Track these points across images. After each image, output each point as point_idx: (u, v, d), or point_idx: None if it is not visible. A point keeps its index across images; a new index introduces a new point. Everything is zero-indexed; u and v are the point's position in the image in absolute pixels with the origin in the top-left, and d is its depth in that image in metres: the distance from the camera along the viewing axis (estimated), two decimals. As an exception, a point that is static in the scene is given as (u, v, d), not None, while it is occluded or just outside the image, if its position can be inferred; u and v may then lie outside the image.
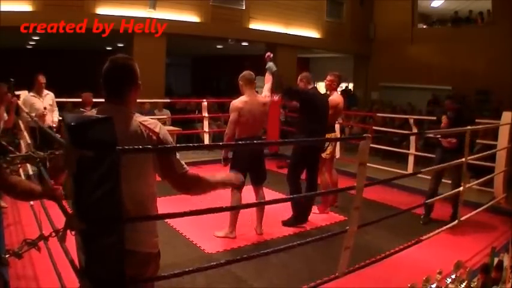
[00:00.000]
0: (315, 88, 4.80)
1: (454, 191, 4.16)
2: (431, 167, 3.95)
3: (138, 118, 1.75)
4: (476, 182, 4.38)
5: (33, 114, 5.29)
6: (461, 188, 3.94)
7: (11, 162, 1.52)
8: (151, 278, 1.78)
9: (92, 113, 1.78)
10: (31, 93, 5.40)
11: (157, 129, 1.73)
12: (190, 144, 2.06)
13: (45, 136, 3.83)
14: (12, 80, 4.71)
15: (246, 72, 4.09)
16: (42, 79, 5.45)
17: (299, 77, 4.56)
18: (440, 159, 4.47)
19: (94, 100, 6.15)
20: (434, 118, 4.88)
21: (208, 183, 1.84)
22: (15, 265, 2.95)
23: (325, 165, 4.92)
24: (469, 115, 4.89)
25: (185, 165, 1.76)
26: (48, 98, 5.58)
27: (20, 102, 5.38)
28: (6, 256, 1.84)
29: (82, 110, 5.81)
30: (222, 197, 5.01)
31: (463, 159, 3.86)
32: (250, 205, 3.42)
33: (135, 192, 1.68)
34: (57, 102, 5.81)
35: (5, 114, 4.71)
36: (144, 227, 1.72)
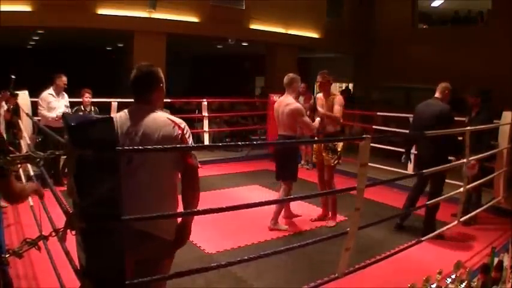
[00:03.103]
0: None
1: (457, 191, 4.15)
2: (432, 168, 3.94)
3: (164, 114, 2.05)
4: (477, 182, 4.38)
5: (48, 113, 5.31)
6: (461, 189, 3.93)
7: (11, 162, 1.52)
8: (151, 278, 1.78)
9: (124, 113, 2.06)
10: (49, 92, 5.39)
11: (182, 125, 2.01)
12: (190, 145, 2.06)
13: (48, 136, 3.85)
14: (13, 77, 4.72)
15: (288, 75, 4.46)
16: (64, 80, 5.47)
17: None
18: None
19: (93, 100, 6.17)
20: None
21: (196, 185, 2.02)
22: (15, 265, 2.95)
23: (330, 174, 4.57)
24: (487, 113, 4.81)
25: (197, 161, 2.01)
26: (65, 99, 5.60)
27: (19, 101, 5.39)
28: (7, 256, 1.84)
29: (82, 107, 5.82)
30: (223, 197, 5.03)
31: (464, 160, 3.86)
32: (255, 204, 3.41)
33: (157, 181, 1.93)
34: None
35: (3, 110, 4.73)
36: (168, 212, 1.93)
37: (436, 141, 4.08)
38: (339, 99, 4.46)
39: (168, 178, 1.99)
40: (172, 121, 2.00)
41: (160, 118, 2.00)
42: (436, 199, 3.89)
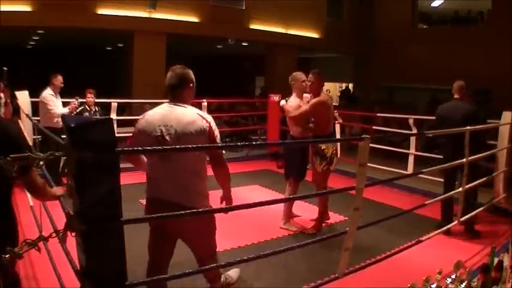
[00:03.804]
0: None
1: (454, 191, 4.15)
2: (432, 167, 3.94)
3: (194, 109, 2.38)
4: (477, 182, 4.37)
5: (62, 110, 5.34)
6: (460, 189, 3.93)
7: (11, 163, 1.51)
8: (151, 278, 1.78)
9: (161, 108, 2.38)
10: (49, 92, 5.39)
11: (208, 119, 2.34)
12: (190, 146, 2.09)
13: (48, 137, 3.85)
14: (4, 68, 4.59)
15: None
16: (60, 79, 5.47)
17: None
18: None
19: (97, 100, 6.17)
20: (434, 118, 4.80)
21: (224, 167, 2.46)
22: (15, 265, 2.95)
23: (318, 179, 4.31)
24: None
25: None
26: (59, 99, 5.61)
27: (19, 101, 5.39)
28: (6, 256, 1.84)
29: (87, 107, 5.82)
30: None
31: (464, 160, 3.85)
32: (255, 204, 3.41)
33: (190, 163, 2.30)
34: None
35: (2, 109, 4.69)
36: (200, 188, 2.35)
37: (473, 144, 4.02)
38: (314, 102, 4.13)
39: (199, 161, 2.34)
40: (201, 116, 2.33)
41: (191, 113, 2.34)
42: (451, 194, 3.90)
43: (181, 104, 2.38)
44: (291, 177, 4.44)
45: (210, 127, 2.32)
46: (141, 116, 2.46)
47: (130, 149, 1.56)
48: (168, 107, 2.39)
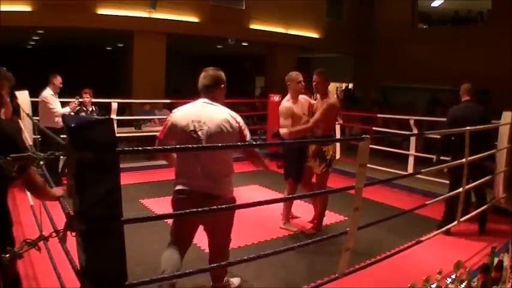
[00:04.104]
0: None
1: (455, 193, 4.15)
2: (433, 167, 3.94)
3: (225, 108, 2.57)
4: (477, 182, 4.37)
5: (63, 109, 5.33)
6: (460, 189, 3.93)
7: (11, 162, 1.51)
8: (151, 279, 1.78)
9: (191, 105, 2.61)
10: (49, 92, 5.38)
11: (238, 119, 2.55)
12: (190, 146, 2.09)
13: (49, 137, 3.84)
14: (3, 68, 4.60)
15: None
16: (60, 80, 5.46)
17: None
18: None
19: (93, 100, 6.16)
20: (433, 119, 4.81)
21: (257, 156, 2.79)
22: (15, 265, 2.95)
23: (317, 182, 4.27)
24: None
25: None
26: (58, 99, 5.61)
27: (19, 101, 5.39)
28: (6, 256, 1.84)
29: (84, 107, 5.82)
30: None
31: (463, 160, 3.85)
32: (256, 203, 3.41)
33: (221, 156, 2.53)
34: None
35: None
36: (227, 179, 2.58)
37: (482, 144, 4.10)
38: (326, 107, 4.02)
39: (229, 155, 2.62)
40: (232, 116, 2.53)
41: (223, 112, 2.54)
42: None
43: (214, 103, 2.57)
44: (290, 178, 4.43)
45: (240, 127, 2.53)
46: (174, 110, 2.68)
47: (130, 148, 1.57)
48: (201, 104, 2.58)
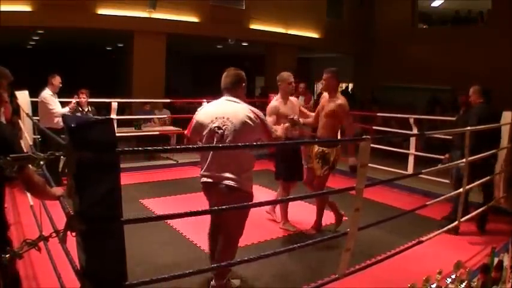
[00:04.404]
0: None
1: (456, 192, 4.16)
2: (434, 168, 3.94)
3: (245, 105, 2.78)
4: (477, 182, 4.37)
5: (63, 109, 5.33)
6: (461, 189, 3.93)
7: (11, 162, 1.51)
8: (151, 279, 1.78)
9: (216, 102, 2.85)
10: (49, 93, 5.35)
11: (259, 114, 2.76)
12: (190, 146, 2.10)
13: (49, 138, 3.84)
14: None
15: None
16: (59, 79, 5.43)
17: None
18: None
19: (94, 100, 6.16)
20: (439, 118, 4.81)
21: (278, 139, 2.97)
22: (15, 265, 2.95)
23: (317, 184, 4.18)
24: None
25: (274, 132, 2.88)
26: (57, 99, 5.59)
27: (19, 101, 5.39)
28: (7, 256, 1.84)
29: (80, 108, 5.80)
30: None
31: (463, 160, 3.86)
32: (255, 204, 3.42)
33: (242, 152, 2.70)
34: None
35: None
36: (250, 175, 2.77)
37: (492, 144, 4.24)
38: (343, 109, 3.97)
39: (249, 150, 2.82)
40: (253, 111, 2.74)
41: (245, 108, 2.74)
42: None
43: (236, 100, 2.78)
44: (280, 178, 4.40)
45: (261, 120, 2.74)
46: (199, 108, 2.90)
47: (130, 148, 1.57)
48: (224, 102, 2.79)
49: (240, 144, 2.66)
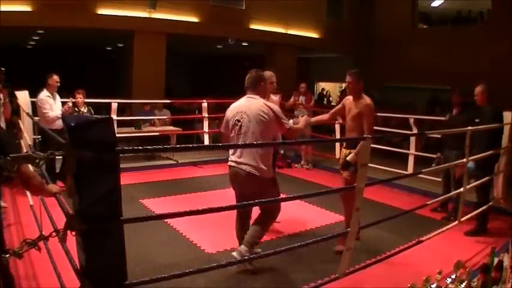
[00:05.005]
0: None
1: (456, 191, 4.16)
2: (433, 167, 3.94)
3: (264, 101, 3.25)
4: (478, 182, 4.37)
5: (54, 113, 5.27)
6: (462, 189, 3.93)
7: (11, 162, 1.51)
8: (154, 278, 1.78)
9: (241, 100, 3.32)
10: (46, 94, 5.29)
11: (273, 108, 3.19)
12: (190, 145, 2.11)
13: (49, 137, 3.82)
14: (2, 69, 4.50)
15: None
16: (56, 79, 5.36)
17: None
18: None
19: (94, 101, 6.15)
20: (434, 118, 4.82)
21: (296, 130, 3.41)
22: (16, 265, 2.95)
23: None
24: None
25: (289, 124, 3.27)
26: (58, 99, 5.55)
27: (19, 101, 5.38)
28: (7, 256, 1.84)
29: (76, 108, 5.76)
30: (223, 197, 5.03)
31: (464, 160, 3.86)
32: (252, 204, 3.43)
33: (265, 138, 3.15)
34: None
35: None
36: (268, 162, 3.20)
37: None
38: (369, 109, 3.71)
39: (267, 140, 3.20)
40: (266, 105, 3.18)
41: (259, 103, 3.20)
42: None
43: (255, 97, 3.25)
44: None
45: (274, 112, 3.15)
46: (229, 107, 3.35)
47: (130, 148, 1.57)
48: (245, 99, 3.29)
49: (255, 142, 3.13)
